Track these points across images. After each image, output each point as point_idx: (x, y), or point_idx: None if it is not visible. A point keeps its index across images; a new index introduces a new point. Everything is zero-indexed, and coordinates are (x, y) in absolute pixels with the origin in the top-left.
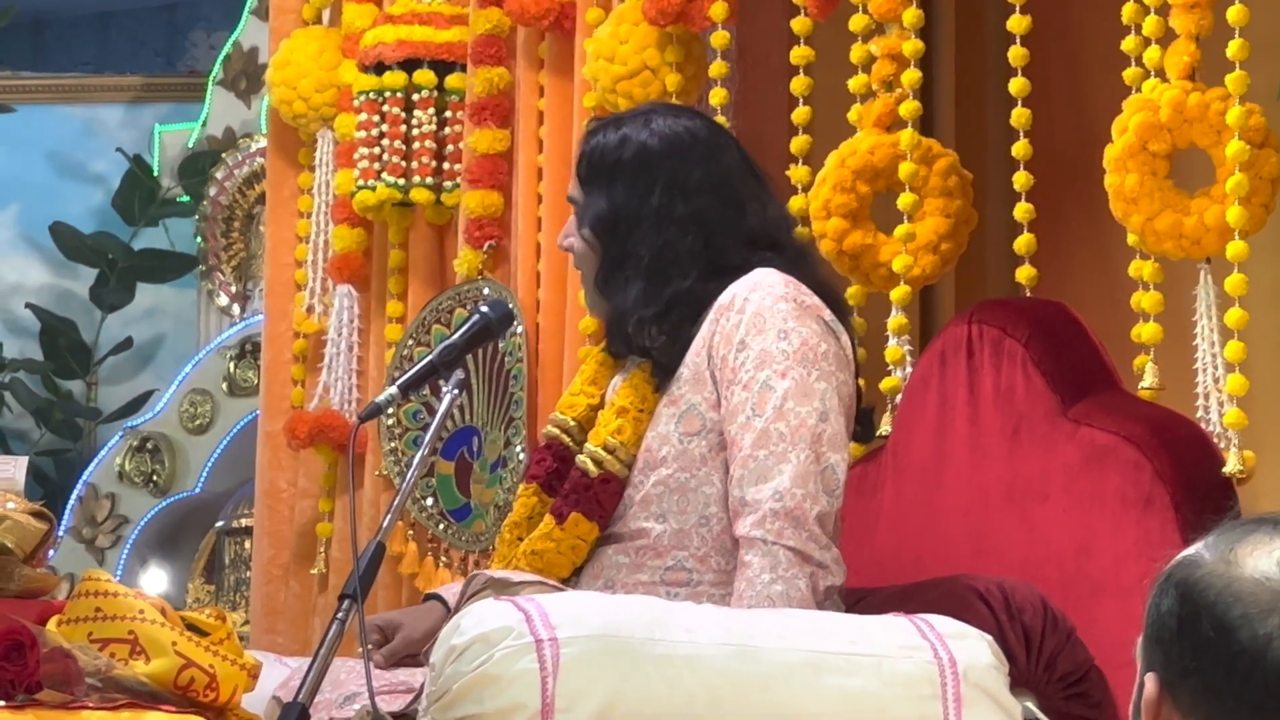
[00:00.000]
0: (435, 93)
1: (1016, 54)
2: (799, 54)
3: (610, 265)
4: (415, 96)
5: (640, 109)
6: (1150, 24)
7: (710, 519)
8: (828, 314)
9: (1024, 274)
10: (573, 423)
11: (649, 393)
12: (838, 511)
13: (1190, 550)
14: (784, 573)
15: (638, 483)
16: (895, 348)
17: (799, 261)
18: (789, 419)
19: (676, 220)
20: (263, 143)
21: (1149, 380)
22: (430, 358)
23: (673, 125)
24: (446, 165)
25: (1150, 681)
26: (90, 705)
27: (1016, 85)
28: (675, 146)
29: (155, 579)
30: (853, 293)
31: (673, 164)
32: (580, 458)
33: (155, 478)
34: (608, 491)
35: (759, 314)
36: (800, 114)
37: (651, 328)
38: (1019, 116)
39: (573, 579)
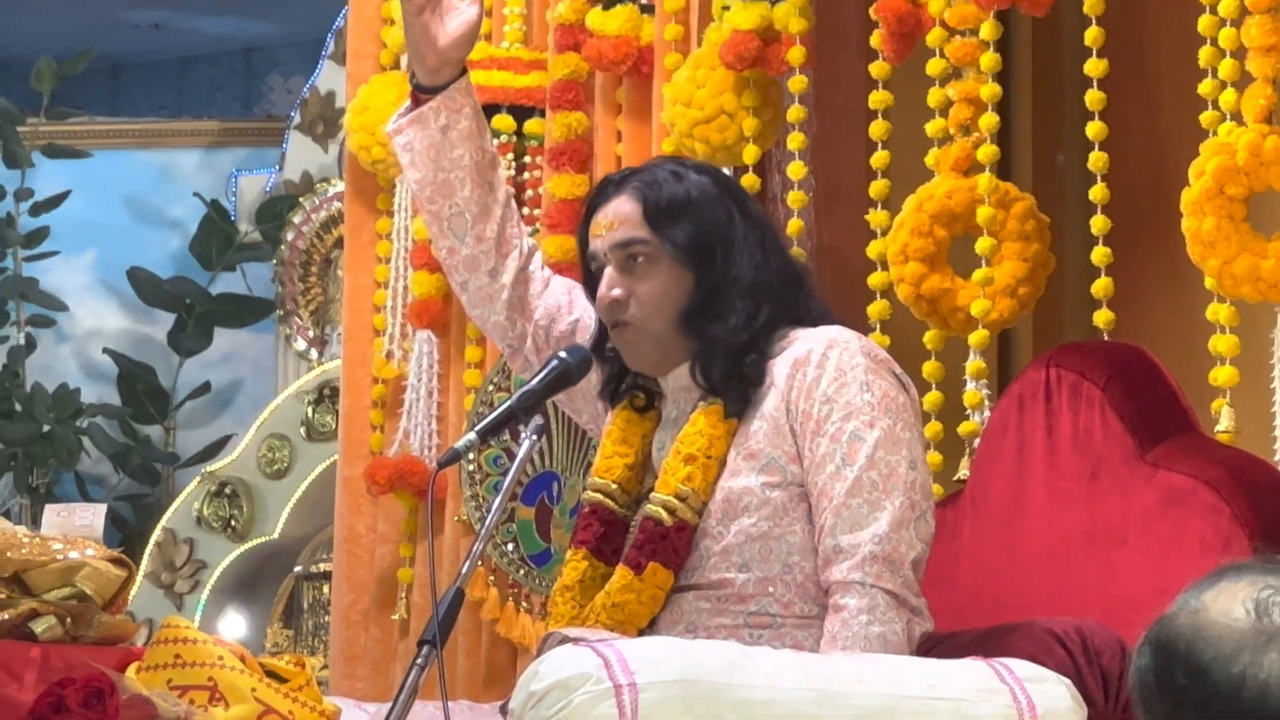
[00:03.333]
0: (514, 138)
1: (1094, 98)
2: (877, 98)
3: (708, 291)
4: (494, 142)
5: (650, 163)
6: (1226, 67)
7: (793, 567)
8: (897, 367)
9: (1101, 318)
10: (614, 486)
11: (717, 437)
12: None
13: (1165, 610)
14: (882, 615)
15: (717, 533)
16: (973, 392)
17: (823, 308)
18: (880, 468)
19: (759, 245)
20: (340, 187)
21: (1226, 424)
22: (509, 403)
23: (705, 166)
24: (525, 210)
25: None
26: None
27: (1094, 129)
28: (726, 182)
29: (234, 624)
30: (930, 337)
31: (734, 195)
32: (651, 507)
33: (233, 522)
34: (682, 539)
35: (840, 368)
36: (878, 158)
37: (748, 355)
38: (1096, 160)
39: (648, 627)
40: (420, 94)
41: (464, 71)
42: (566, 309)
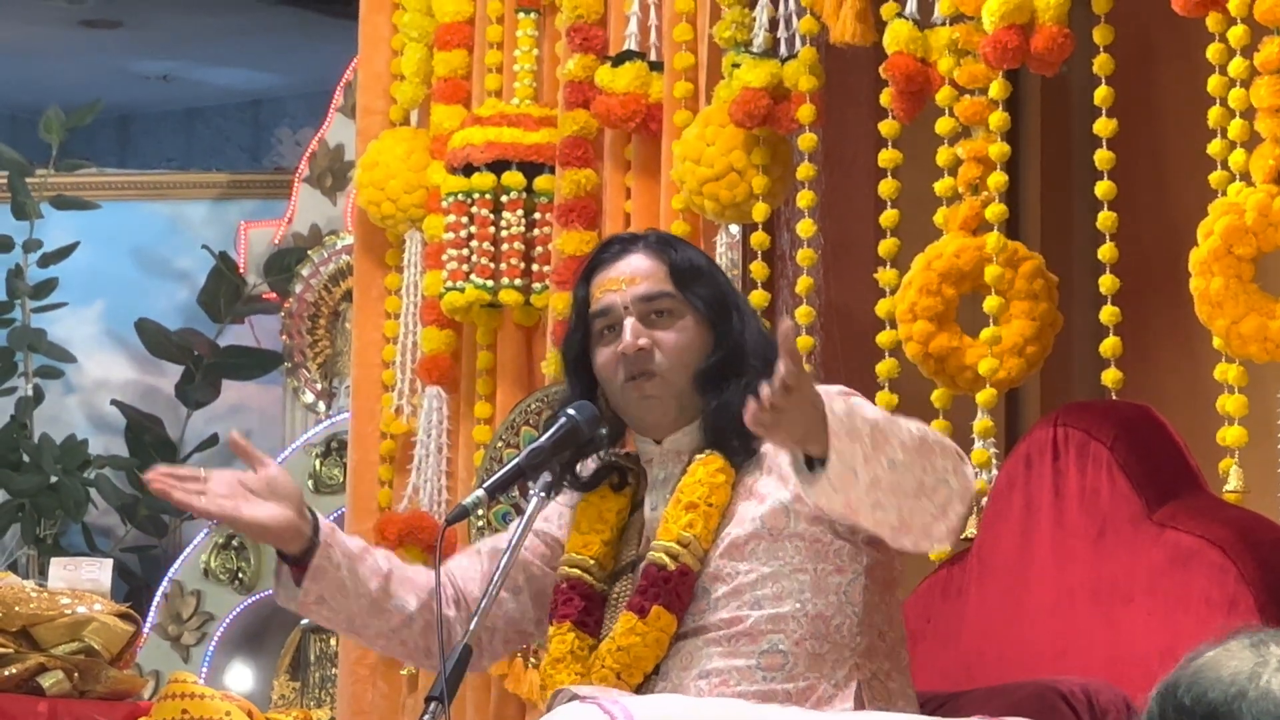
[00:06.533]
0: (524, 194)
1: (1102, 157)
2: (886, 156)
3: (727, 351)
4: (504, 198)
5: (649, 231)
6: (1235, 128)
7: (805, 604)
8: None
9: (1109, 377)
10: (592, 561)
11: (717, 485)
12: None
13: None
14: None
15: (728, 575)
16: (981, 450)
17: None
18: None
19: (751, 314)
20: (349, 239)
21: (1233, 483)
22: (517, 460)
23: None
24: (535, 266)
25: None
26: None
27: (1102, 188)
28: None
29: (240, 676)
30: (938, 395)
31: (721, 269)
32: (654, 554)
33: (240, 574)
34: (685, 584)
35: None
36: (887, 217)
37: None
38: (1105, 220)
39: (657, 675)
40: (294, 565)
41: (309, 513)
42: (480, 573)
